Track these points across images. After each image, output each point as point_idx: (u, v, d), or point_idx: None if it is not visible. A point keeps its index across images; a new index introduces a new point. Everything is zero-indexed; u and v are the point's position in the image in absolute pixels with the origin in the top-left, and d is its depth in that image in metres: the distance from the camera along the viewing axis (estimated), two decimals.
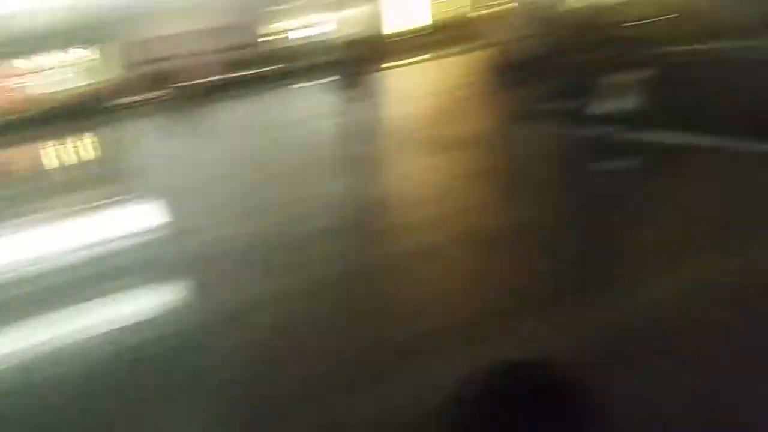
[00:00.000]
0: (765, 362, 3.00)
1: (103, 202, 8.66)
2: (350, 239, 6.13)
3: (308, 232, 6.36)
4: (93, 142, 17.81)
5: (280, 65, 25.88)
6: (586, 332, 3.60)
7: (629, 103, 6.28)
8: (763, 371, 2.92)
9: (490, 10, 21.03)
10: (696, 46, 7.83)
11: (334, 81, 10.19)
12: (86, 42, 24.93)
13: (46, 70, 24.54)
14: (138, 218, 7.70)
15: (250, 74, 24.83)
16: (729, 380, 2.93)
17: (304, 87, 21.54)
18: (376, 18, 29.01)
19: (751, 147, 6.30)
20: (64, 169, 13.73)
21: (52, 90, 24.62)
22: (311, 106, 16.03)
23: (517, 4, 14.54)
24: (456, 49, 21.89)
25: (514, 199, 6.67)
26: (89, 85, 24.88)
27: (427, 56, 23.67)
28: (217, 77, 24.21)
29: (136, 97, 23.38)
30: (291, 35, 29.09)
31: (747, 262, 4.18)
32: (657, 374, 3.09)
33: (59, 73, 24.93)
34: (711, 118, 6.84)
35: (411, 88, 17.78)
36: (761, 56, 6.71)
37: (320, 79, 18.18)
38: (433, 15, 29.74)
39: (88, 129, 19.97)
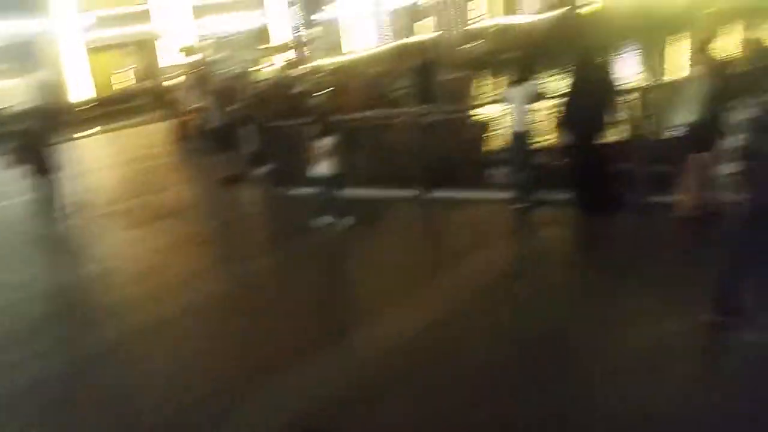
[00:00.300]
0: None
1: None
2: (62, 328, 5.65)
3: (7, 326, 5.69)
4: None
5: None
6: (333, 382, 3.93)
7: (325, 164, 7.00)
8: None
9: (172, 81, 21.28)
10: (364, 114, 9.25)
11: (9, 155, 9.02)
12: None
13: None
14: None
15: None
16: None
17: None
18: (51, 87, 26.69)
19: (423, 195, 7.65)
20: None
21: None
22: None
23: (196, 76, 14.94)
24: (140, 118, 21.67)
25: (231, 261, 6.88)
26: None
27: (114, 125, 22.60)
28: None
29: None
30: None
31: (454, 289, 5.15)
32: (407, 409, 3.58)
33: None
34: (388, 174, 8.11)
35: (97, 159, 16.78)
36: (412, 121, 8.26)
37: None
38: (112, 86, 29.90)
39: None
